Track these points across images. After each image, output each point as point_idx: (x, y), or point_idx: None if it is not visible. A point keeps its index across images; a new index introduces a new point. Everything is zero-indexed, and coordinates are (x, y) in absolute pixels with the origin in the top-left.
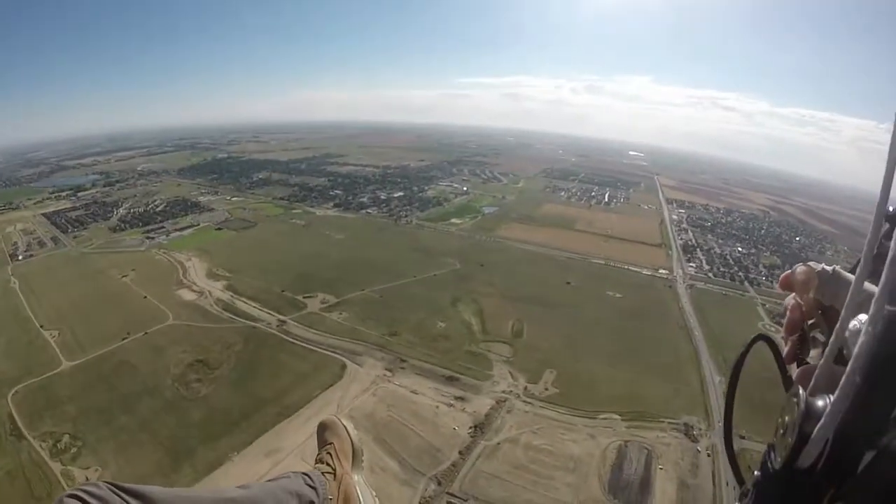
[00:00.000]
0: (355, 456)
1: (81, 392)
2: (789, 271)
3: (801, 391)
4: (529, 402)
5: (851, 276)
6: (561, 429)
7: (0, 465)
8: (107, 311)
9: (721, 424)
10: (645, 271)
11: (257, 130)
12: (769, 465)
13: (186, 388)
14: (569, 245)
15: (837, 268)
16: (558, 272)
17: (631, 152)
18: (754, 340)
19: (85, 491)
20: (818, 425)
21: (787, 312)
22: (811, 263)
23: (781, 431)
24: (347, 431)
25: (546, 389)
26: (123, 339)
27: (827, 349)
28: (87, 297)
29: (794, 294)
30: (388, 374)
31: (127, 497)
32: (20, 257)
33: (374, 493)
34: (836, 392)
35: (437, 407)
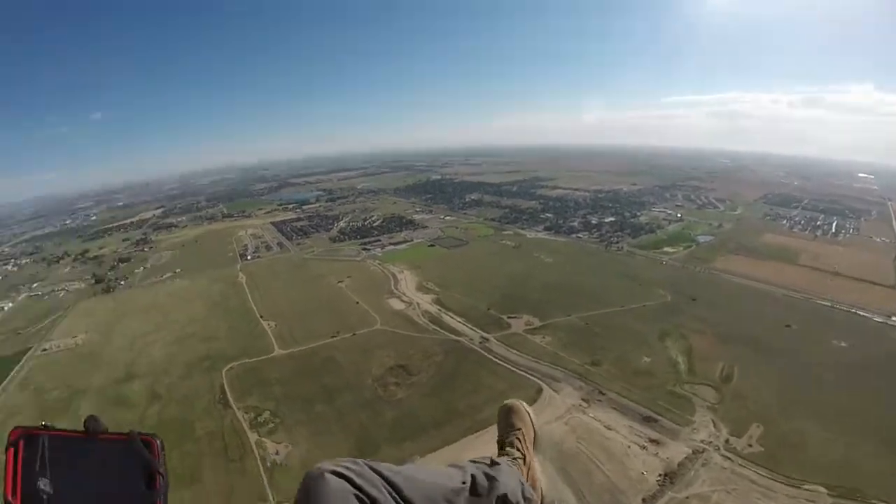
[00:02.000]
0: (537, 441)
1: (288, 377)
2: None
3: None
4: (728, 458)
5: None
6: (758, 493)
7: (205, 425)
8: (321, 310)
9: None
10: (876, 317)
11: (469, 154)
12: None
13: (384, 389)
14: (791, 281)
15: None
16: (777, 312)
17: (860, 174)
18: None
19: (347, 468)
20: None
21: None
22: None
23: None
24: (530, 417)
25: (749, 446)
26: (332, 336)
27: None
28: (304, 297)
29: None
30: (584, 404)
31: (384, 477)
32: (249, 257)
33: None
34: None
35: (629, 447)
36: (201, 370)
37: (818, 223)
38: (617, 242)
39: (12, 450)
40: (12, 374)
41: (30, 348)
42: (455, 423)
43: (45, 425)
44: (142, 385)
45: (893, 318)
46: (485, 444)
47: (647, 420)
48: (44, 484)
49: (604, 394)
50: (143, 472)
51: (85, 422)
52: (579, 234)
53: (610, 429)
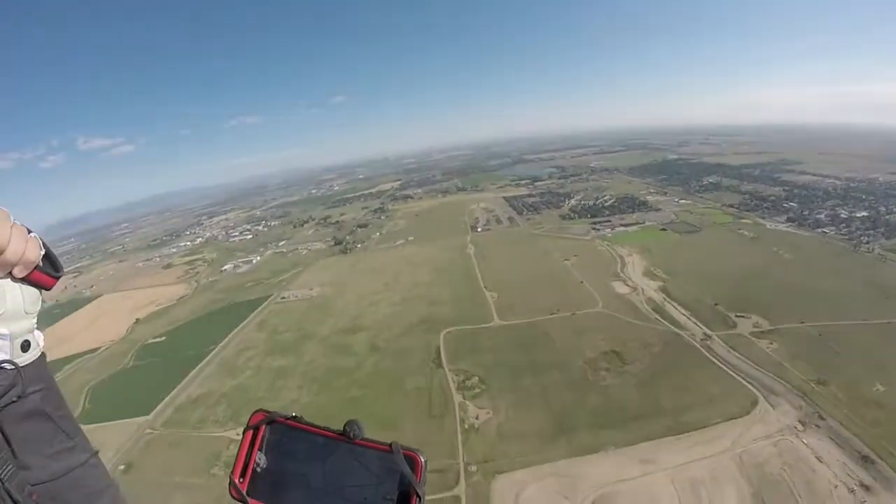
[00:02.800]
0: None
1: (502, 347)
2: None
3: None
4: None
5: None
6: None
7: (416, 381)
8: (543, 286)
9: None
10: None
11: (708, 132)
12: None
13: (594, 372)
14: None
15: None
16: None
17: None
18: None
19: None
20: None
21: None
22: None
23: None
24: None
25: None
26: (552, 314)
27: None
28: (529, 271)
29: None
30: (800, 427)
31: None
32: (479, 229)
33: None
34: None
35: (836, 486)
36: (421, 330)
37: None
38: (867, 242)
39: (251, 432)
40: (253, 315)
41: (270, 295)
42: (657, 421)
43: (296, 417)
44: (365, 336)
45: None
46: (681, 448)
47: (864, 460)
48: (259, 458)
49: (823, 419)
50: (399, 487)
51: (345, 425)
52: (825, 229)
53: (820, 461)
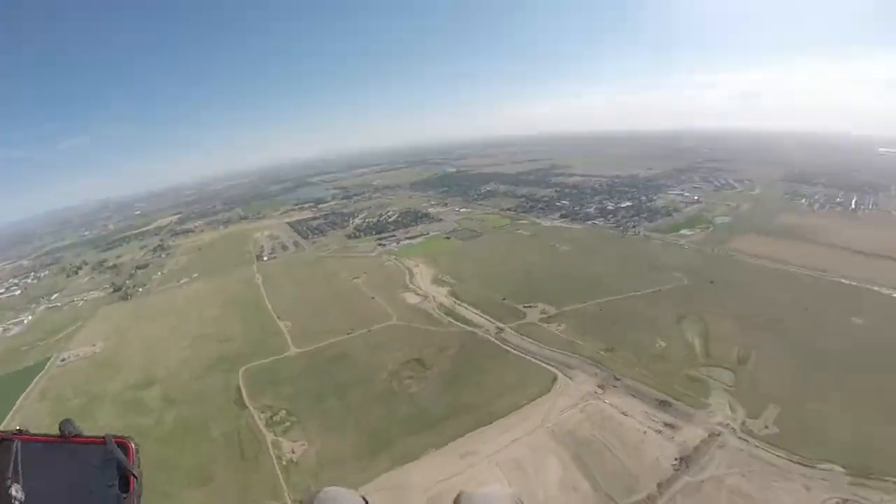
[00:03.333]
0: None
1: (303, 376)
2: None
3: None
4: (745, 440)
5: None
6: (774, 475)
7: (221, 426)
8: (336, 308)
9: None
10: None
11: (485, 145)
12: None
13: (399, 383)
14: (809, 261)
15: None
16: (796, 291)
17: (880, 149)
18: None
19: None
20: None
21: None
22: None
23: None
24: None
25: (766, 427)
26: (348, 333)
27: None
28: (320, 295)
29: None
30: (600, 391)
31: None
32: (265, 258)
33: None
34: None
35: (645, 432)
36: (218, 371)
37: (838, 200)
38: (633, 227)
39: None
40: (33, 383)
41: (49, 358)
42: (469, 415)
43: (19, 430)
44: (159, 389)
45: None
46: (497, 435)
47: (662, 404)
48: (16, 490)
49: (619, 379)
50: (118, 473)
51: (60, 425)
52: (595, 221)
53: (625, 415)
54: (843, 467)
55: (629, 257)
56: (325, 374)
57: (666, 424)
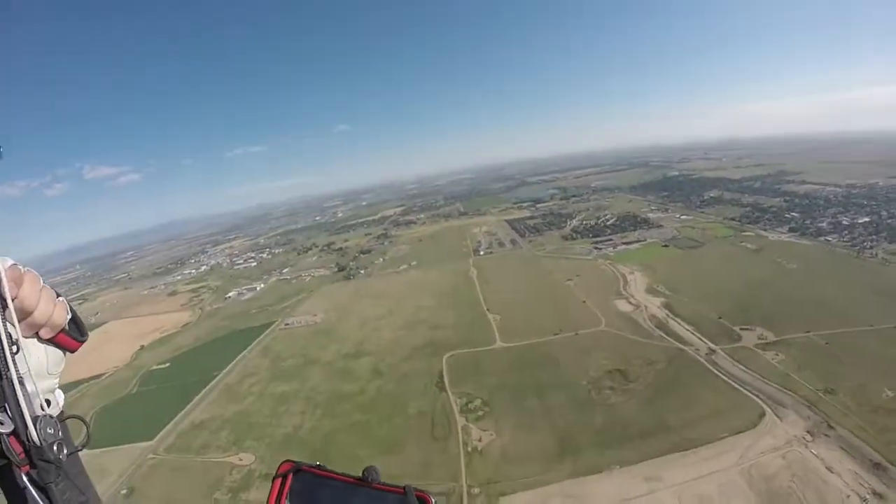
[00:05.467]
0: None
1: (505, 369)
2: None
3: None
4: None
5: None
6: None
7: (418, 405)
8: (546, 307)
9: None
10: None
11: (707, 147)
12: None
13: (598, 392)
14: None
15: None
16: None
17: None
18: None
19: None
20: None
21: None
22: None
23: None
24: None
25: None
26: (555, 334)
27: None
28: (532, 293)
29: None
30: (808, 438)
31: None
32: (481, 253)
33: None
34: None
35: (848, 497)
36: (424, 354)
37: None
38: (871, 248)
39: (279, 480)
40: (256, 341)
41: (274, 322)
42: (663, 438)
43: (319, 465)
44: (368, 362)
45: None
46: (688, 464)
47: (876, 467)
48: None
49: (833, 428)
50: None
51: (364, 470)
52: (828, 237)
53: (831, 471)
54: None
55: (865, 283)
56: (526, 371)
57: (874, 492)
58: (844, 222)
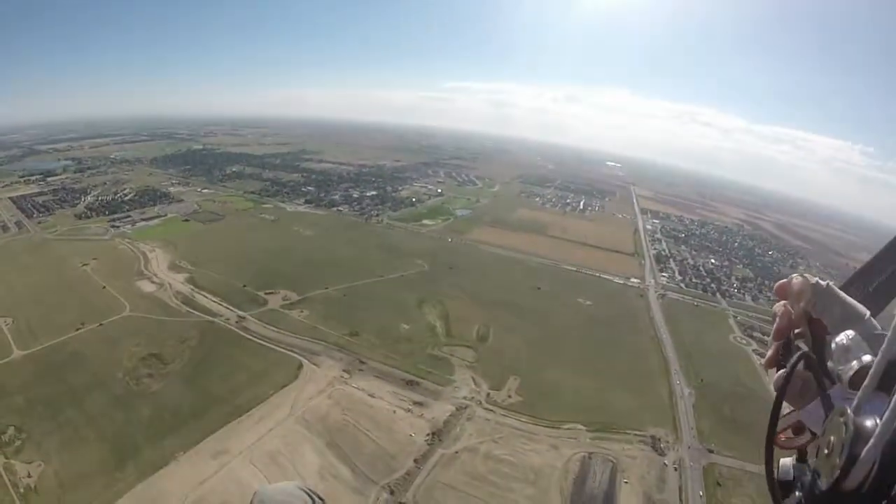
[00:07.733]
0: None
1: (31, 383)
2: (786, 280)
3: (848, 411)
4: (491, 410)
5: (843, 293)
6: (523, 438)
7: None
8: (64, 299)
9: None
10: (617, 280)
11: (235, 124)
12: (813, 486)
13: (137, 382)
14: (541, 251)
15: (831, 283)
16: (529, 277)
17: (608, 162)
18: (799, 359)
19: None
20: (867, 446)
21: (776, 319)
22: (806, 275)
23: (826, 452)
24: None
25: (509, 397)
26: (78, 329)
27: (872, 370)
28: (45, 285)
29: (785, 302)
30: (346, 375)
31: None
32: None
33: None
34: (886, 413)
35: (395, 412)
36: None
37: (568, 201)
38: (377, 215)
39: None
40: None
41: None
42: (215, 410)
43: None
44: None
45: (632, 280)
46: (247, 429)
47: (409, 384)
48: None
49: (365, 363)
50: None
51: None
52: (340, 208)
53: (373, 397)
54: (584, 425)
55: (372, 244)
56: (55, 379)
57: (415, 403)
58: (355, 195)
